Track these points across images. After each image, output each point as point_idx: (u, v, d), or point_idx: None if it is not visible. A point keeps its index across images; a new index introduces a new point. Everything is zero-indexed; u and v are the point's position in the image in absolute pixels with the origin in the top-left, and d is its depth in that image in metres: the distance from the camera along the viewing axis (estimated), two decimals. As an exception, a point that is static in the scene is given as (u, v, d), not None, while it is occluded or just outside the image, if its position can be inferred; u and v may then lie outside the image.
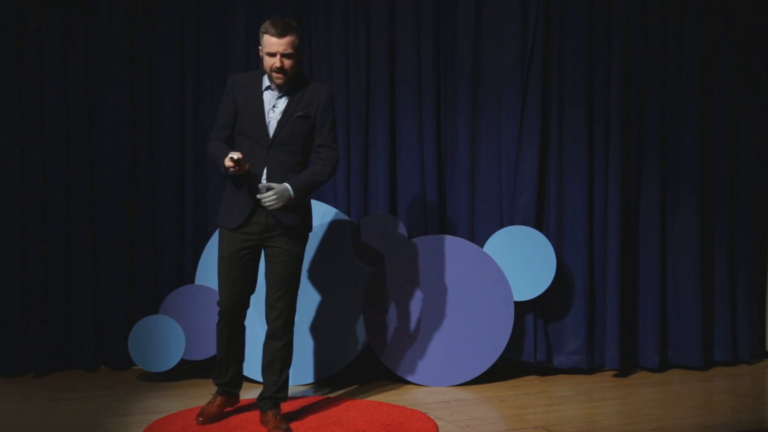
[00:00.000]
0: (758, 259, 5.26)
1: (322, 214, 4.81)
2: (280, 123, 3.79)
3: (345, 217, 4.86)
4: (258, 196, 3.72)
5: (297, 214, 3.85)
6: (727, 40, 5.11)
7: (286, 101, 3.81)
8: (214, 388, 4.12)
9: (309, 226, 3.96)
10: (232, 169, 3.66)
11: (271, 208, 3.70)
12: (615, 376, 4.96)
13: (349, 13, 5.03)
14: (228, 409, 4.07)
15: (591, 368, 4.99)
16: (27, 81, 4.95)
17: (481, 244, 4.85)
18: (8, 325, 4.93)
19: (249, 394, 4.30)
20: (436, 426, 3.93)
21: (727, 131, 5.13)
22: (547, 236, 4.85)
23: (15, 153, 4.94)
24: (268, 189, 3.70)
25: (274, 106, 3.82)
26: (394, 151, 5.07)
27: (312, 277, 4.77)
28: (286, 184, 3.73)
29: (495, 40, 4.96)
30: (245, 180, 3.79)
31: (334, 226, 4.80)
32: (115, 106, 5.03)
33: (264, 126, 3.79)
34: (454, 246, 4.79)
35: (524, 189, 4.90)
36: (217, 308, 3.96)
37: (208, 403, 4.02)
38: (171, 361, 4.75)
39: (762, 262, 5.30)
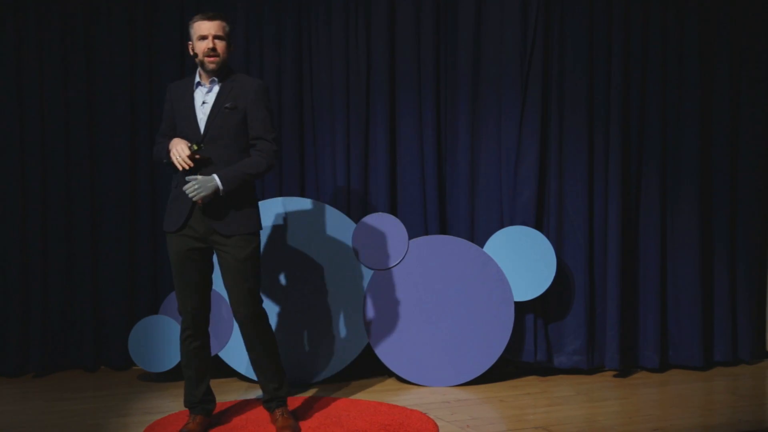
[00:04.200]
0: (758, 259, 5.26)
1: (321, 213, 4.81)
2: (209, 117, 3.74)
3: (345, 217, 4.86)
4: (183, 188, 3.66)
5: (235, 217, 3.73)
6: (728, 40, 5.11)
7: (215, 95, 3.78)
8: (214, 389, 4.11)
9: (255, 226, 3.81)
10: (180, 157, 3.62)
11: (195, 197, 3.62)
12: (615, 376, 4.96)
13: (349, 13, 5.03)
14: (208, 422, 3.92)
15: (591, 368, 4.99)
16: (27, 81, 4.96)
17: (481, 244, 4.85)
18: (8, 325, 4.94)
19: (249, 394, 4.30)
20: (436, 426, 3.93)
21: (727, 131, 5.13)
22: (547, 236, 4.85)
23: (15, 153, 4.95)
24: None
25: (203, 102, 3.78)
26: (394, 151, 5.07)
27: (312, 278, 4.77)
28: (213, 175, 3.66)
29: (495, 40, 4.96)
30: (181, 182, 3.73)
31: (334, 226, 4.80)
32: (116, 105, 5.03)
33: (195, 122, 3.75)
34: (454, 246, 4.79)
35: (524, 189, 4.90)
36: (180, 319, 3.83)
37: (187, 423, 3.82)
38: (171, 361, 4.75)
39: (762, 262, 5.30)
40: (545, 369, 4.98)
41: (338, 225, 4.81)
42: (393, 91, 5.06)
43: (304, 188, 5.09)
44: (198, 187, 3.62)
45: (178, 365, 4.75)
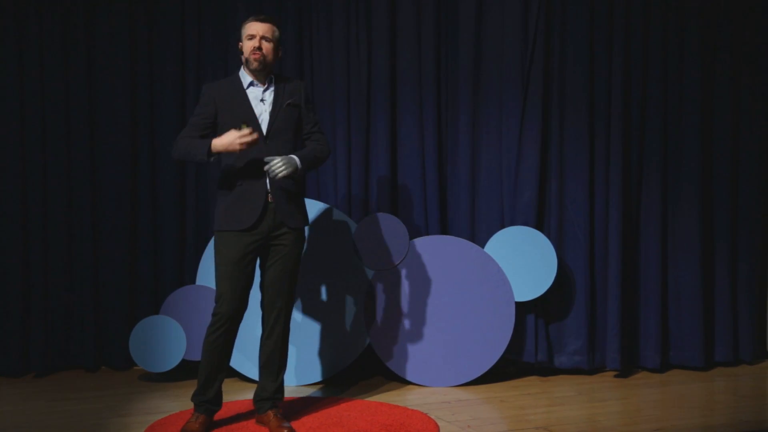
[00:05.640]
0: (759, 259, 5.27)
1: (323, 214, 4.81)
2: (272, 113, 3.86)
3: (346, 217, 4.86)
4: (266, 167, 3.74)
5: (298, 209, 3.90)
6: (728, 40, 5.11)
7: (273, 93, 3.89)
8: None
9: (307, 220, 4.01)
10: (249, 139, 3.66)
11: (280, 174, 3.72)
12: (616, 376, 4.96)
13: (350, 13, 5.04)
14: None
15: (592, 368, 4.99)
16: (28, 82, 4.96)
17: (482, 244, 4.85)
18: (9, 325, 4.94)
19: (250, 395, 4.29)
20: (437, 426, 3.93)
21: (728, 131, 5.13)
22: (548, 236, 4.85)
23: (16, 153, 4.95)
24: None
25: (262, 99, 3.88)
26: (395, 151, 5.07)
27: (313, 278, 4.77)
28: (291, 155, 3.80)
29: (496, 40, 4.96)
30: (246, 181, 3.80)
31: (334, 226, 4.80)
32: (116, 106, 5.04)
33: (255, 119, 3.84)
34: (455, 246, 4.79)
35: (525, 189, 4.90)
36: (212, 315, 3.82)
37: (189, 422, 3.79)
38: (172, 361, 4.75)
39: (763, 262, 5.30)
40: (546, 369, 4.98)
41: (339, 225, 4.81)
42: (394, 91, 5.06)
43: (305, 189, 5.09)
44: (285, 163, 3.73)
45: (179, 365, 4.77)
